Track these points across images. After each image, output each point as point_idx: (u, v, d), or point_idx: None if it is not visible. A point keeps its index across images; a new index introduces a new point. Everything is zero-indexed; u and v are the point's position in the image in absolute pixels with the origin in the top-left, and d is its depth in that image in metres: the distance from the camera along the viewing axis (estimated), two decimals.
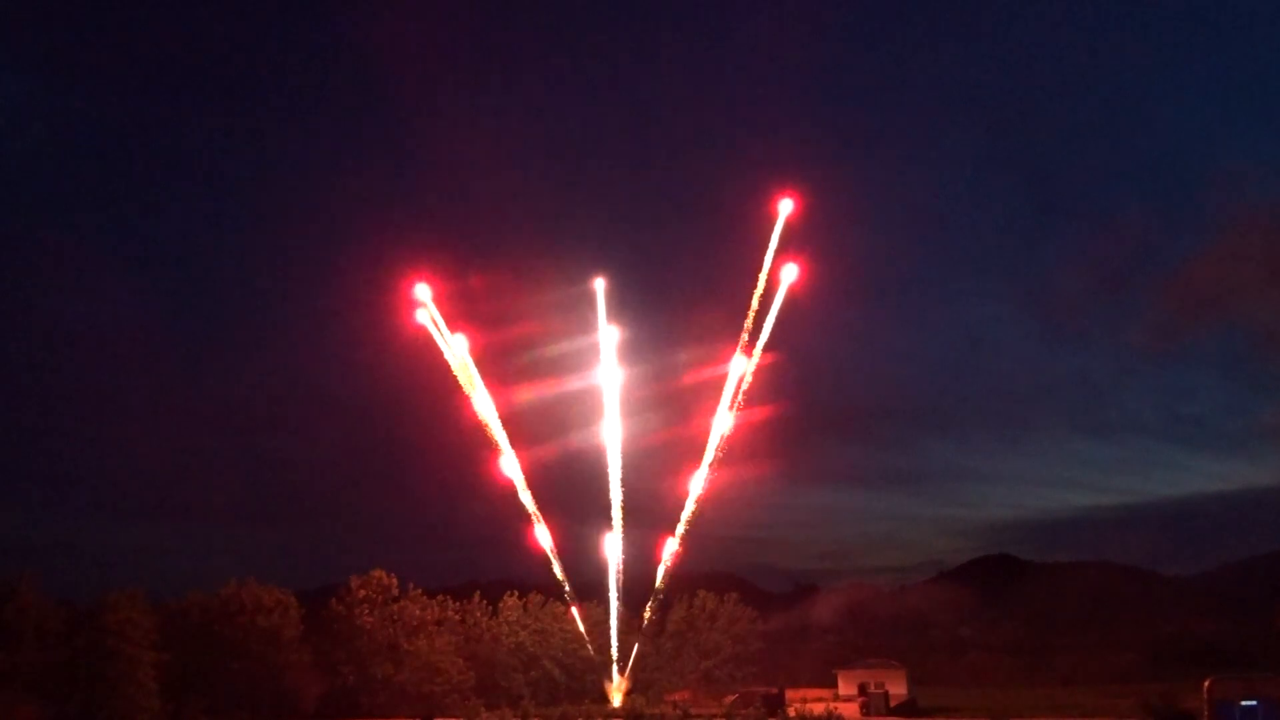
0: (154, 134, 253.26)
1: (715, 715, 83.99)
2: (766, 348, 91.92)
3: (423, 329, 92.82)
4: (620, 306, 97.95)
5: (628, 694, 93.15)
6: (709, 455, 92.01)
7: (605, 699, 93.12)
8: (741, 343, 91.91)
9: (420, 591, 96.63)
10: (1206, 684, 68.37)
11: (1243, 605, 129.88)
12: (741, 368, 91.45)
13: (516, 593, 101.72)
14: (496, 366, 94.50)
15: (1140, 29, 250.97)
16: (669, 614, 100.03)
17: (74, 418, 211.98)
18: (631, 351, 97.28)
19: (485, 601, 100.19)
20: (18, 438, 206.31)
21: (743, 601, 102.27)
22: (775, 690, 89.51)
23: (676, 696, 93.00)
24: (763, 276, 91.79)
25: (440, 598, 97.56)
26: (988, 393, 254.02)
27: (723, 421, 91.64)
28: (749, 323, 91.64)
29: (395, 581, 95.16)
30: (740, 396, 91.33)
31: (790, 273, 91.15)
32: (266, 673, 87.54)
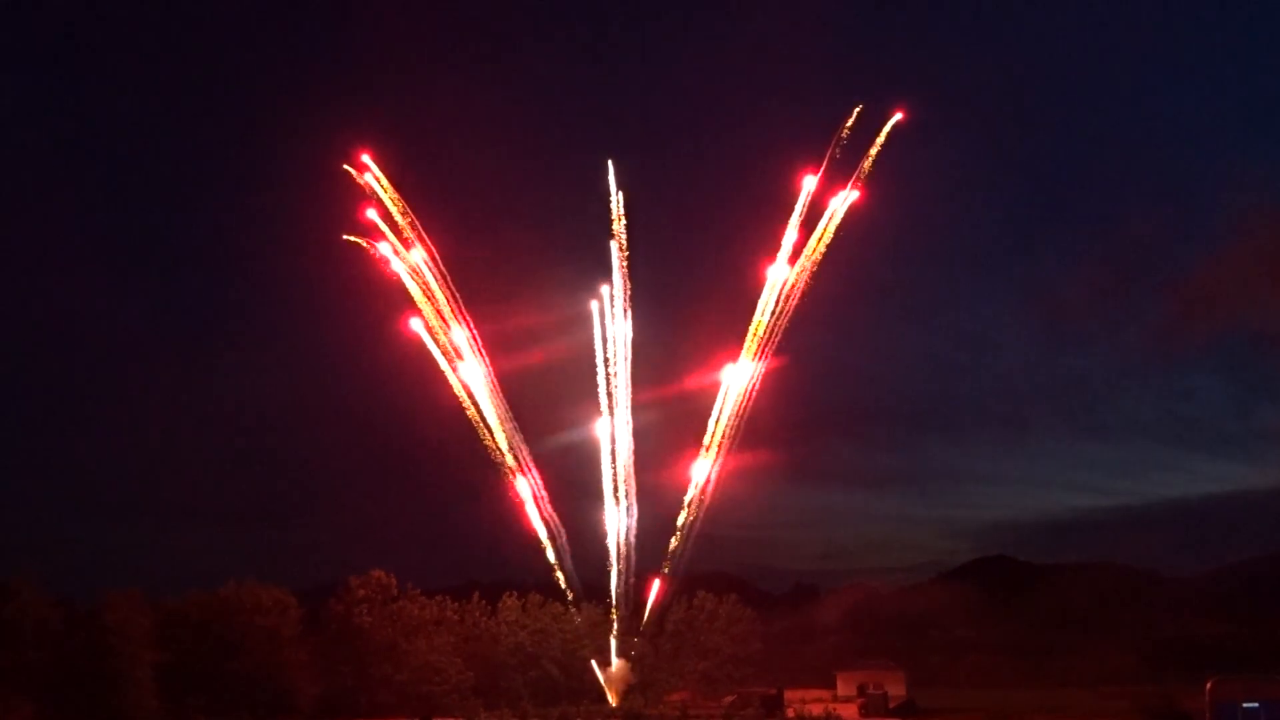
0: (154, 128, 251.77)
1: (714, 716, 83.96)
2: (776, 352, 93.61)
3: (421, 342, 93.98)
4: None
5: (628, 690, 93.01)
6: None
7: (604, 699, 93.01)
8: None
9: (419, 591, 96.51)
10: (1209, 685, 68.28)
11: (1244, 606, 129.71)
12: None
13: (515, 593, 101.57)
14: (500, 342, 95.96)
15: (1145, 29, 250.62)
16: (668, 614, 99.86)
17: (74, 417, 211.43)
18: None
19: (484, 601, 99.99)
20: (17, 437, 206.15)
21: (742, 602, 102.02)
22: (774, 691, 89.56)
23: (675, 697, 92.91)
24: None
25: (439, 598, 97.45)
26: (988, 393, 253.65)
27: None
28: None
29: (394, 581, 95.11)
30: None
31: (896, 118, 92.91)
32: (265, 672, 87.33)
